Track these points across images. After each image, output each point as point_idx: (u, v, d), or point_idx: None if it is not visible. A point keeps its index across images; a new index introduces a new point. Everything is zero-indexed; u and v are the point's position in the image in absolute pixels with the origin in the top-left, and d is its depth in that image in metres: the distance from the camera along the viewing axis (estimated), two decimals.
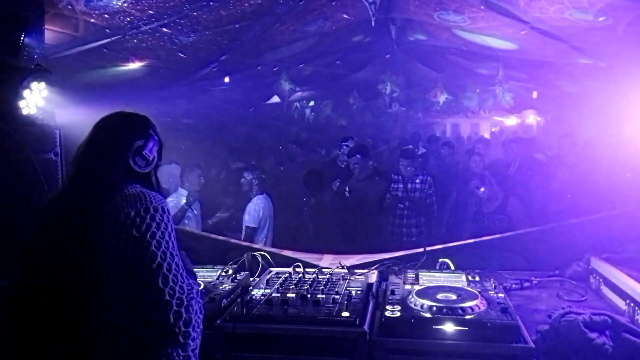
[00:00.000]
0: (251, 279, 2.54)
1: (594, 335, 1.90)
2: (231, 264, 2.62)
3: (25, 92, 2.40)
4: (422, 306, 2.00)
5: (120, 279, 1.56)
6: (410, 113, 11.09)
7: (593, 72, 5.80)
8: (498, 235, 3.26)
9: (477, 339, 1.86)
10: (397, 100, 9.48)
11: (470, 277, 2.39)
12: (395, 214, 4.97)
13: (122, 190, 1.66)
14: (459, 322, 1.90)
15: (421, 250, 2.93)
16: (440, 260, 2.66)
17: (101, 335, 1.55)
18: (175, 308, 1.54)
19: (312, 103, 10.69)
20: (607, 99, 6.74)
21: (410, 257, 2.98)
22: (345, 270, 2.52)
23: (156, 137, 1.84)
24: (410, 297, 2.09)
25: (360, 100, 10.03)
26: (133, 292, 1.56)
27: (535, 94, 8.86)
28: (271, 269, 2.63)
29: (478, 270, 2.47)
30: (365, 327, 1.89)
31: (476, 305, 1.98)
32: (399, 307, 2.01)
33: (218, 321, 1.97)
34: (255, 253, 2.69)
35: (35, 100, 2.49)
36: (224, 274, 2.49)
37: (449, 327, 1.89)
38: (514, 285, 2.69)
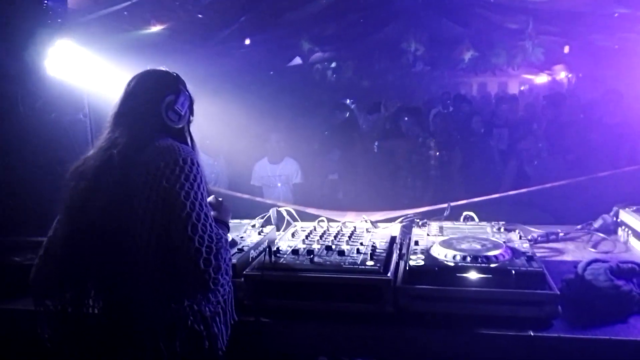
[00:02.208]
0: (277, 233, 2.58)
1: (620, 282, 1.89)
2: (258, 219, 2.66)
3: (51, 52, 2.43)
4: (445, 255, 2.01)
5: (153, 229, 1.61)
6: (435, 72, 10.86)
7: (630, 23, 5.54)
8: (524, 190, 3.24)
9: (502, 286, 1.86)
10: (422, 59, 9.26)
11: (495, 229, 2.39)
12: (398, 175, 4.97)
13: (153, 143, 1.71)
14: (483, 270, 1.90)
15: (445, 205, 2.93)
16: (464, 213, 2.66)
17: (137, 281, 1.62)
18: (204, 255, 1.59)
19: (333, 64, 10.54)
20: None
21: (434, 212, 2.99)
22: (369, 224, 2.54)
23: (187, 93, 1.88)
24: (434, 247, 2.10)
25: (383, 60, 9.84)
26: (165, 241, 1.61)
27: (567, 49, 8.55)
28: (296, 223, 2.67)
29: (503, 222, 2.46)
30: (389, 275, 1.92)
31: (501, 254, 1.98)
32: (423, 257, 2.03)
33: (247, 270, 2.02)
34: (280, 209, 2.73)
35: (62, 60, 2.53)
36: (250, 227, 2.54)
37: (473, 275, 1.90)
38: (539, 238, 2.68)
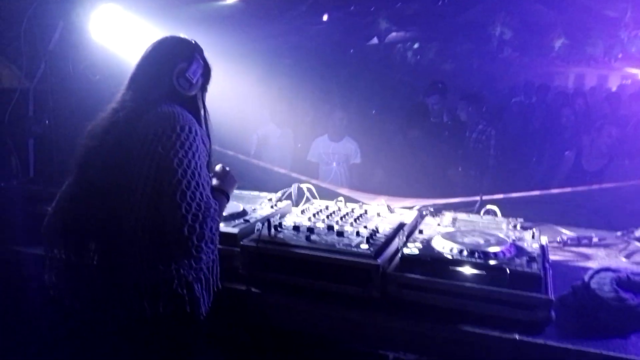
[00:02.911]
0: (293, 209, 2.61)
1: (627, 295, 1.75)
2: (279, 193, 2.71)
3: (95, 15, 2.56)
4: (444, 247, 1.95)
5: (145, 192, 1.69)
6: (524, 59, 10.27)
7: None
8: (569, 189, 3.03)
9: (495, 284, 1.78)
10: (509, 44, 8.80)
11: (511, 225, 2.28)
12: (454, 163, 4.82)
13: (156, 108, 1.78)
14: (477, 266, 1.83)
15: (477, 198, 2.82)
16: (487, 207, 2.54)
17: (129, 242, 1.71)
18: (189, 223, 1.65)
19: (416, 45, 10.27)
20: None
21: (466, 204, 2.88)
22: (384, 209, 2.51)
23: (201, 61, 1.93)
24: (435, 237, 2.04)
25: (467, 43, 9.45)
26: (156, 205, 1.69)
27: None
28: (314, 200, 2.69)
29: (521, 220, 2.33)
30: (380, 260, 1.89)
31: (501, 251, 1.89)
32: (420, 246, 1.98)
33: (244, 240, 2.07)
34: (302, 185, 2.75)
35: (108, 26, 2.67)
36: (267, 200, 2.59)
37: (467, 270, 1.83)
38: (569, 241, 2.51)
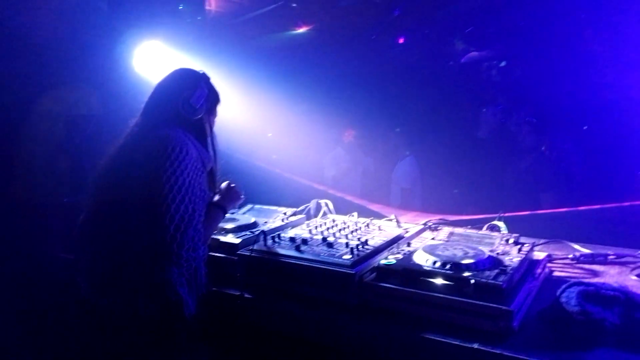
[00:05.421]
0: (306, 222, 2.79)
1: (594, 309, 1.71)
2: (300, 208, 2.90)
3: (138, 52, 2.94)
4: (420, 258, 2.03)
5: (141, 204, 1.93)
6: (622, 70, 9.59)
7: None
8: (598, 206, 2.91)
9: (462, 295, 1.83)
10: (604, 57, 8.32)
11: (503, 240, 2.28)
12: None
13: (156, 132, 2.05)
14: (446, 277, 1.89)
15: (496, 215, 2.80)
16: (492, 223, 2.54)
17: (128, 248, 1.96)
18: (171, 232, 1.86)
19: (503, 63, 10.02)
20: None
21: (485, 221, 2.87)
22: (394, 224, 2.60)
23: (206, 90, 2.20)
24: (418, 250, 2.12)
25: (556, 58, 9.05)
26: (148, 216, 1.91)
27: None
28: (329, 215, 2.84)
29: (517, 235, 2.31)
30: (356, 270, 2.01)
31: (473, 263, 1.94)
32: (401, 257, 2.08)
33: (242, 250, 2.29)
34: (320, 201, 2.92)
35: (150, 61, 3.03)
36: (283, 215, 2.80)
37: (437, 281, 1.90)
38: (582, 258, 2.43)
